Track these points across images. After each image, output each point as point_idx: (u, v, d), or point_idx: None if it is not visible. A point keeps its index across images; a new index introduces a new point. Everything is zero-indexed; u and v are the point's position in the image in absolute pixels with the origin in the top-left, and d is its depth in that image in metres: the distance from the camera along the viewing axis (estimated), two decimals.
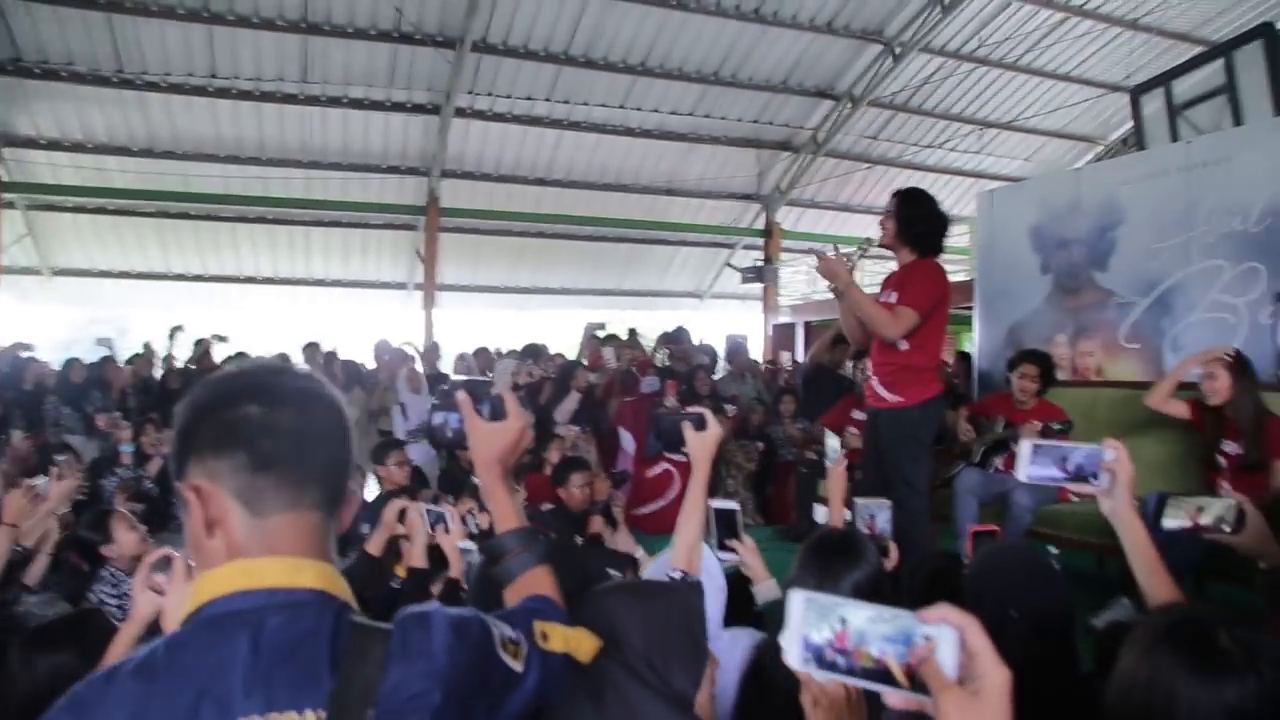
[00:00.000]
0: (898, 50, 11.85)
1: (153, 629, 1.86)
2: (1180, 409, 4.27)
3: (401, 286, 14.02)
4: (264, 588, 0.95)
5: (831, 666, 0.84)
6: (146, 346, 8.45)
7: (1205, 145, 5.36)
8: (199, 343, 8.26)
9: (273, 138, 11.28)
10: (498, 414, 1.39)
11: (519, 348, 8.54)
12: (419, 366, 8.04)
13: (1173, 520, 1.82)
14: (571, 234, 14.24)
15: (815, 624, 0.85)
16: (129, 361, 8.09)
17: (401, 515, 2.98)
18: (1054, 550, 4.06)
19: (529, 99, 11.65)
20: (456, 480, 5.64)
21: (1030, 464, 1.71)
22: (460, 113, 11.46)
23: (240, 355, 8.14)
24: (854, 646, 0.83)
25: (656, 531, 6.15)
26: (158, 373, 8.16)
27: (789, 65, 12.08)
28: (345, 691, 0.91)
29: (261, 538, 0.98)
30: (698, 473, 2.07)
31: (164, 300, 12.69)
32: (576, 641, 1.20)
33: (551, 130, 12.28)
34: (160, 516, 5.16)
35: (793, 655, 0.86)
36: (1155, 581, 1.59)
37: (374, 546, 2.97)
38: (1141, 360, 5.47)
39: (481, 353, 8.46)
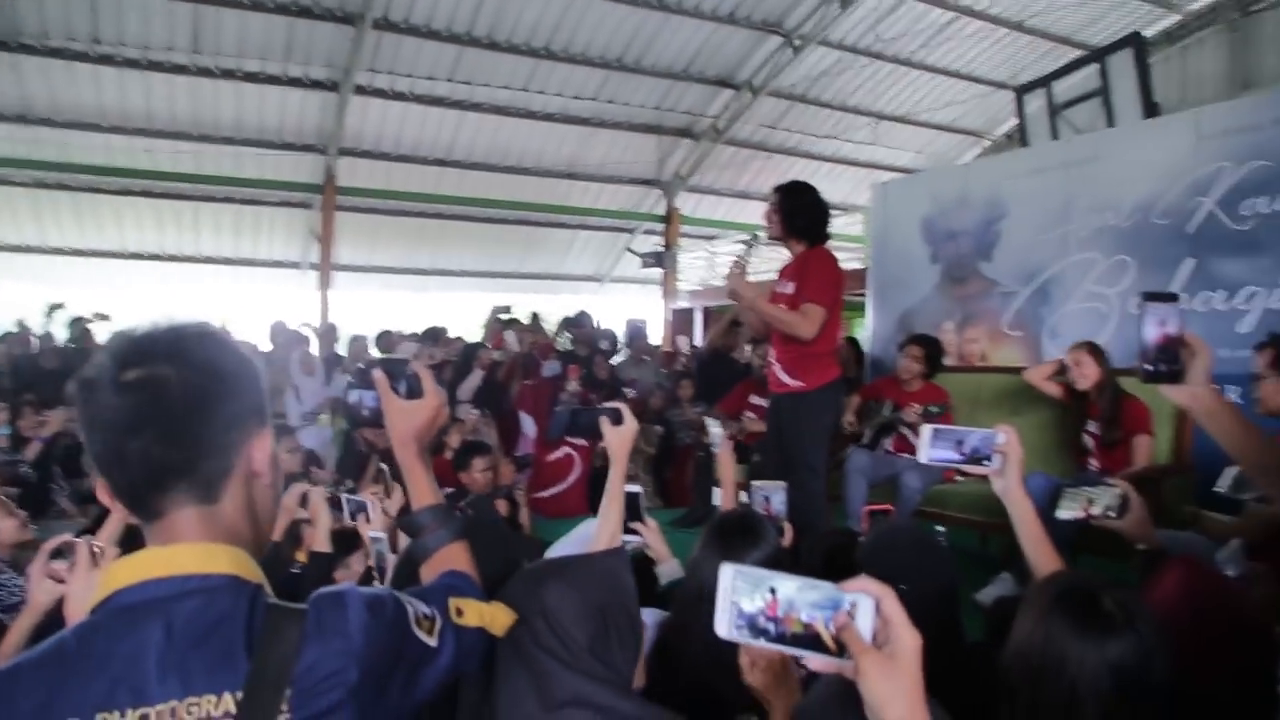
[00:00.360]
0: (797, 42, 12.08)
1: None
2: (1054, 388, 4.51)
3: (295, 266, 13.64)
4: (177, 574, 0.95)
5: (763, 634, 0.91)
6: (20, 324, 8.03)
7: (1081, 144, 5.67)
8: (77, 321, 7.89)
9: (161, 109, 10.77)
10: (414, 392, 1.41)
11: (419, 331, 8.44)
12: (314, 349, 7.88)
13: (1067, 511, 1.97)
14: (471, 216, 14.09)
15: (747, 594, 0.91)
16: (1, 340, 7.68)
17: (304, 499, 2.93)
18: (941, 529, 4.27)
19: (430, 79, 11.47)
20: (354, 464, 5.57)
21: (931, 447, 1.82)
22: (360, 90, 11.20)
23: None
24: (784, 614, 0.90)
25: (557, 515, 6.19)
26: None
27: (690, 54, 12.19)
28: (261, 673, 0.92)
29: (159, 531, 0.99)
30: (616, 466, 2.15)
31: (40, 275, 12.07)
32: (491, 616, 1.24)
33: (453, 111, 12.12)
34: (39, 502, 4.95)
35: (722, 624, 0.92)
36: (1041, 553, 1.71)
37: (273, 531, 2.91)
38: (1023, 347, 5.75)
39: (384, 335, 8.34)
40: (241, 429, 1.03)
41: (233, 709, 0.90)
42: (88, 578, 1.74)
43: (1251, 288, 4.62)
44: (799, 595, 0.90)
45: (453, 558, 1.32)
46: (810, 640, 0.90)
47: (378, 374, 1.42)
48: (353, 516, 2.96)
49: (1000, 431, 1.75)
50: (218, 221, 12.73)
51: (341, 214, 12.70)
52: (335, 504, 3.00)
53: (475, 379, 6.83)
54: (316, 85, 11.09)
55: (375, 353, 7.86)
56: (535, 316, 9.24)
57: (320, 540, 2.90)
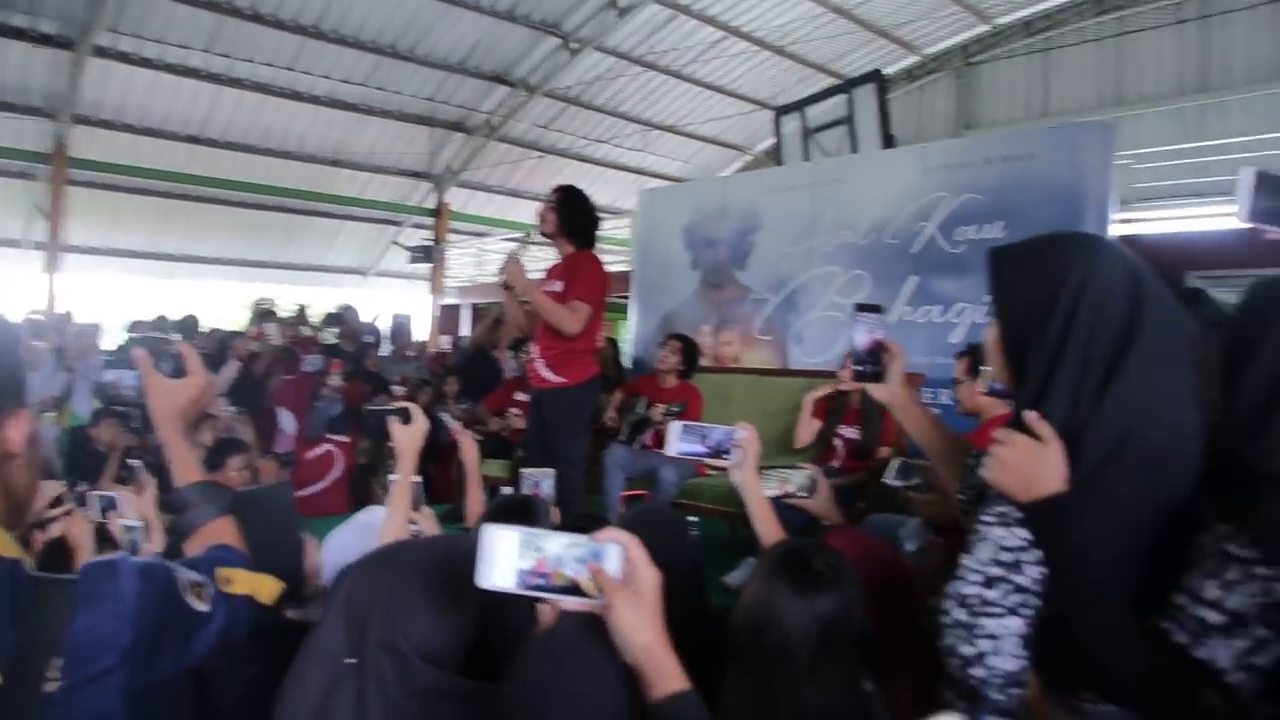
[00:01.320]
0: (574, 45, 12.28)
1: None
2: (813, 429, 4.84)
3: (14, 244, 12.14)
4: None
5: (534, 588, 1.04)
6: None
7: (828, 166, 6.19)
8: None
9: None
10: (179, 371, 1.41)
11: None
12: (38, 341, 7.17)
13: (767, 489, 2.19)
14: (226, 199, 13.27)
15: (520, 553, 1.04)
16: None
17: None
18: (694, 519, 4.53)
19: (184, 47, 10.70)
20: (88, 465, 5.15)
21: (679, 441, 1.99)
22: (100, 52, 10.27)
23: None
24: (552, 570, 1.04)
25: (317, 514, 5.98)
26: None
27: (467, 46, 12.11)
28: (28, 642, 0.92)
29: None
30: (404, 464, 2.20)
31: None
32: (259, 584, 1.28)
33: (208, 85, 11.38)
34: None
35: (485, 578, 1.04)
36: (770, 533, 1.93)
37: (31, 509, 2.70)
38: (772, 350, 6.19)
39: (137, 325, 7.68)
40: None
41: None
42: None
43: (961, 304, 5.22)
44: (565, 552, 1.05)
45: (219, 532, 1.34)
46: (573, 589, 1.05)
47: (139, 352, 1.42)
48: (104, 513, 2.78)
49: (739, 428, 1.95)
50: None
51: (74, 189, 11.61)
52: (81, 503, 2.81)
53: (230, 371, 6.50)
54: (46, 41, 10.04)
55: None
56: (302, 310, 8.88)
57: (87, 550, 2.74)
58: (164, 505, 1.90)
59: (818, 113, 7.48)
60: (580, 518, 2.77)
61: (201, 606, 1.13)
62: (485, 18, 11.53)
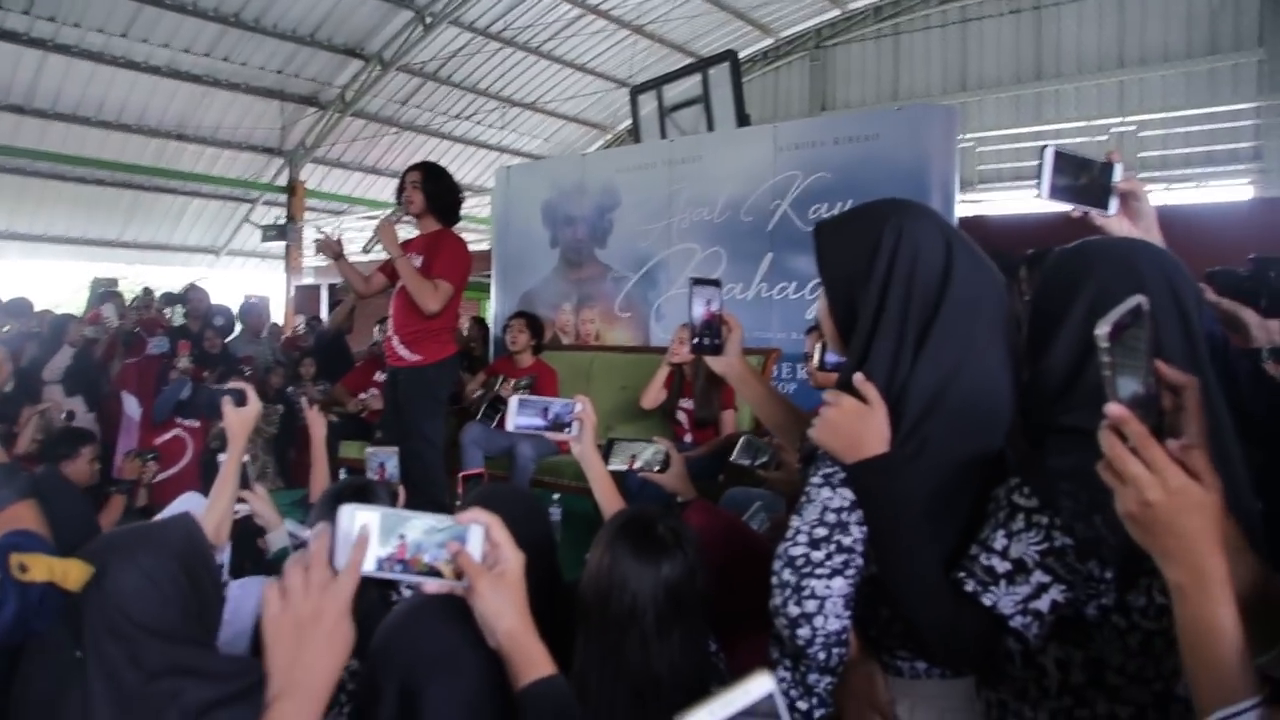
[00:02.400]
0: (428, 19, 12.04)
1: None
2: (660, 395, 4.90)
3: None
4: None
5: (391, 573, 0.99)
6: None
7: (685, 145, 6.24)
8: None
9: None
10: None
11: None
12: None
13: (614, 463, 2.21)
14: (61, 174, 12.49)
15: (381, 539, 0.98)
16: None
17: None
18: (556, 496, 4.55)
19: (1, 9, 9.93)
20: None
21: (517, 415, 1.98)
22: None
23: None
24: (411, 556, 0.99)
25: (171, 498, 5.72)
26: None
27: (318, 18, 11.70)
28: None
29: None
30: (234, 446, 2.14)
31: None
32: (63, 570, 1.21)
33: (33, 50, 10.62)
34: None
35: (340, 559, 0.97)
36: (609, 500, 1.98)
37: None
38: (632, 327, 6.23)
39: None
40: None
41: None
42: None
43: (816, 280, 5.37)
44: (425, 538, 1.00)
45: (17, 517, 1.28)
46: (431, 572, 1.01)
47: None
48: None
49: (577, 401, 1.96)
50: None
51: None
52: None
53: (64, 357, 6.11)
54: None
55: None
56: (148, 291, 8.41)
57: None
58: None
59: (674, 92, 7.52)
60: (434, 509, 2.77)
61: None
62: None
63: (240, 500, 2.39)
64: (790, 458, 1.82)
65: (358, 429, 5.83)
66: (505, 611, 1.01)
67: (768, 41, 15.05)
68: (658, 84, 7.61)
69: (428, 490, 3.75)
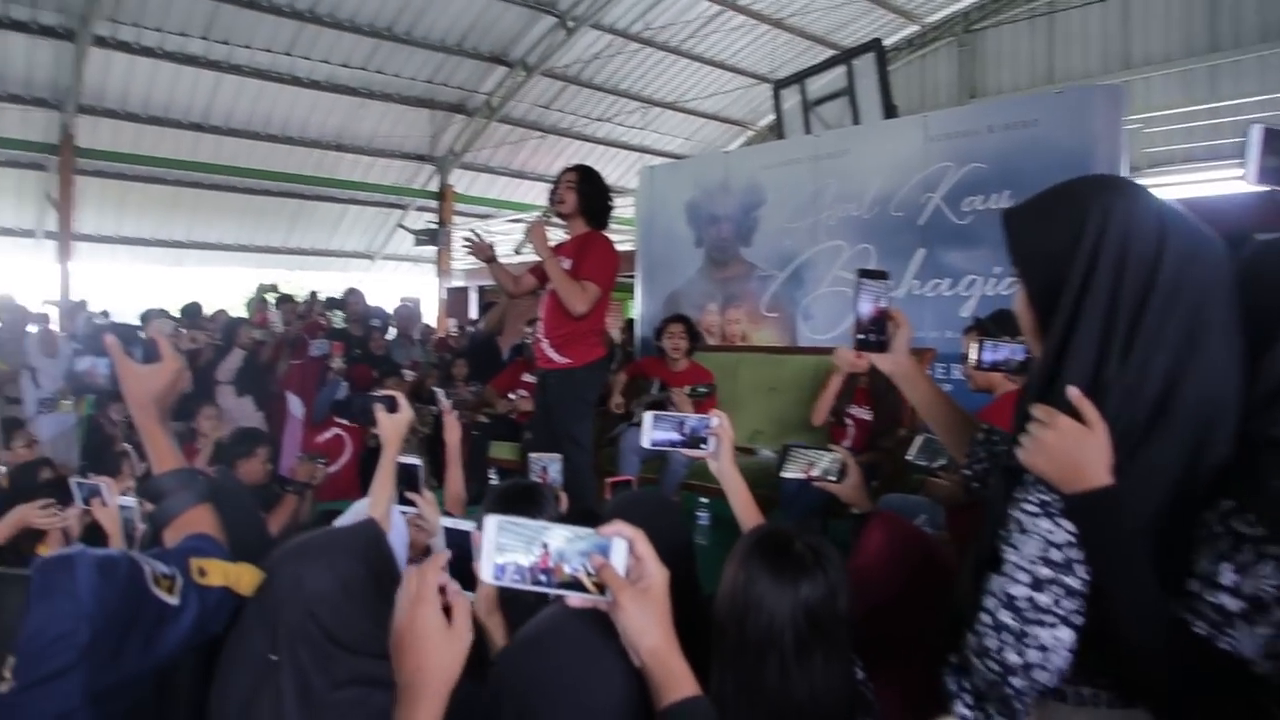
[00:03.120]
0: (570, 24, 12.20)
1: None
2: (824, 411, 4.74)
3: (29, 234, 12.29)
4: None
5: (536, 583, 1.00)
6: None
7: (830, 139, 6.10)
8: None
9: None
10: (151, 357, 1.38)
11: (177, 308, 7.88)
12: (55, 326, 7.17)
13: (791, 471, 2.15)
14: (232, 186, 13.29)
15: (522, 549, 0.99)
16: None
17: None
18: (705, 500, 4.53)
19: (182, 35, 10.67)
20: (100, 453, 5.15)
21: (653, 430, 1.94)
22: (100, 42, 10.25)
23: None
24: (554, 565, 0.99)
25: (331, 498, 5.99)
26: None
27: (464, 28, 12.03)
28: None
29: None
30: (388, 451, 2.20)
31: None
32: (237, 576, 1.24)
33: (209, 72, 11.36)
34: None
35: (486, 570, 1.00)
36: (749, 516, 1.90)
37: None
38: (779, 327, 6.14)
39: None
40: None
41: None
42: None
43: (971, 276, 5.17)
44: (568, 546, 1.00)
45: (196, 521, 1.31)
46: (574, 584, 1.00)
47: (110, 339, 1.39)
48: (86, 501, 2.78)
49: (713, 416, 1.91)
50: None
51: (83, 179, 11.63)
52: (67, 492, 2.81)
53: (235, 359, 6.49)
54: (47, 32, 10.02)
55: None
56: (314, 295, 8.86)
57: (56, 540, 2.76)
58: (141, 492, 1.89)
59: (818, 85, 7.37)
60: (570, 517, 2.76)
61: (170, 600, 1.10)
62: None
63: (410, 503, 2.46)
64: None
65: (507, 430, 5.95)
66: (649, 629, 0.99)
67: (912, 29, 14.58)
68: (801, 78, 7.48)
69: (576, 496, 3.77)
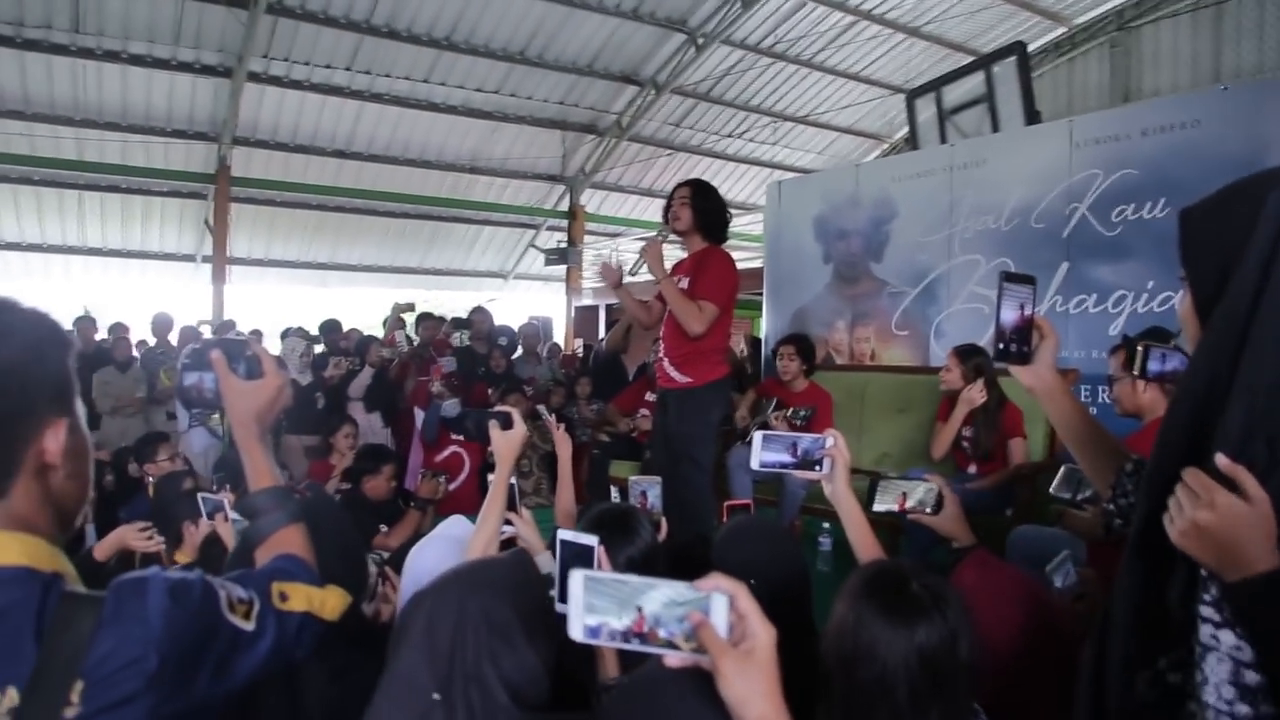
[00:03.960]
0: (700, 41, 12.15)
1: None
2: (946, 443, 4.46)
3: (190, 259, 13.19)
4: None
5: (630, 643, 0.90)
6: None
7: (966, 148, 5.82)
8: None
9: (39, 91, 10.21)
10: (253, 373, 1.37)
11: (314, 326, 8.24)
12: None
13: (882, 504, 1.99)
14: (372, 209, 13.81)
15: (615, 613, 0.89)
16: None
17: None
18: (826, 525, 4.34)
19: (328, 67, 11.15)
20: (236, 466, 5.37)
21: (762, 451, 1.83)
22: (254, 77, 10.83)
23: None
24: (649, 629, 0.89)
25: (449, 513, 6.07)
26: None
27: (595, 49, 12.15)
28: (47, 664, 0.88)
29: None
30: (501, 469, 2.18)
31: None
32: (321, 600, 1.21)
33: (352, 101, 11.82)
34: None
35: (576, 629, 0.91)
36: (865, 546, 1.78)
37: (100, 552, 2.85)
38: (910, 346, 5.89)
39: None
40: (24, 423, 0.99)
41: (17, 702, 0.86)
42: None
43: (1121, 291, 4.82)
44: (664, 611, 0.89)
45: (287, 541, 1.28)
46: (670, 645, 0.90)
47: (215, 354, 1.38)
48: (210, 516, 2.85)
49: (828, 436, 1.78)
50: (104, 211, 12.24)
51: (237, 205, 12.28)
52: (194, 506, 2.90)
53: (365, 377, 6.69)
54: (208, 71, 10.68)
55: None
56: (456, 320, 9.12)
57: (190, 550, 2.85)
58: (238, 509, 1.90)
59: (955, 93, 7.08)
60: (676, 546, 2.65)
61: (246, 625, 1.07)
62: (611, 18, 11.53)
63: (507, 522, 2.42)
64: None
65: (629, 449, 5.91)
66: (752, 699, 0.87)
67: (1059, 31, 13.88)
68: (936, 85, 7.21)
69: (695, 518, 3.65)
